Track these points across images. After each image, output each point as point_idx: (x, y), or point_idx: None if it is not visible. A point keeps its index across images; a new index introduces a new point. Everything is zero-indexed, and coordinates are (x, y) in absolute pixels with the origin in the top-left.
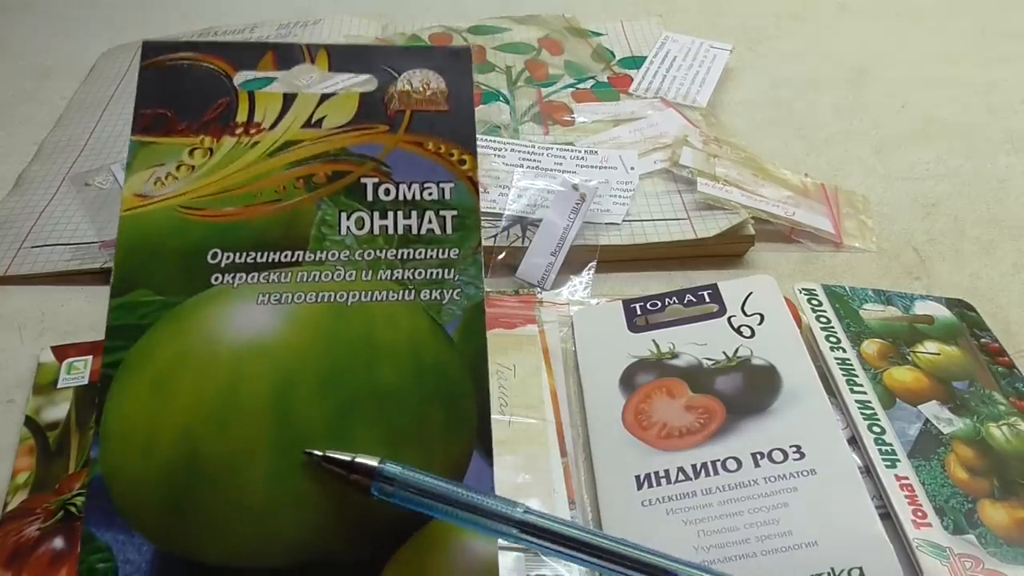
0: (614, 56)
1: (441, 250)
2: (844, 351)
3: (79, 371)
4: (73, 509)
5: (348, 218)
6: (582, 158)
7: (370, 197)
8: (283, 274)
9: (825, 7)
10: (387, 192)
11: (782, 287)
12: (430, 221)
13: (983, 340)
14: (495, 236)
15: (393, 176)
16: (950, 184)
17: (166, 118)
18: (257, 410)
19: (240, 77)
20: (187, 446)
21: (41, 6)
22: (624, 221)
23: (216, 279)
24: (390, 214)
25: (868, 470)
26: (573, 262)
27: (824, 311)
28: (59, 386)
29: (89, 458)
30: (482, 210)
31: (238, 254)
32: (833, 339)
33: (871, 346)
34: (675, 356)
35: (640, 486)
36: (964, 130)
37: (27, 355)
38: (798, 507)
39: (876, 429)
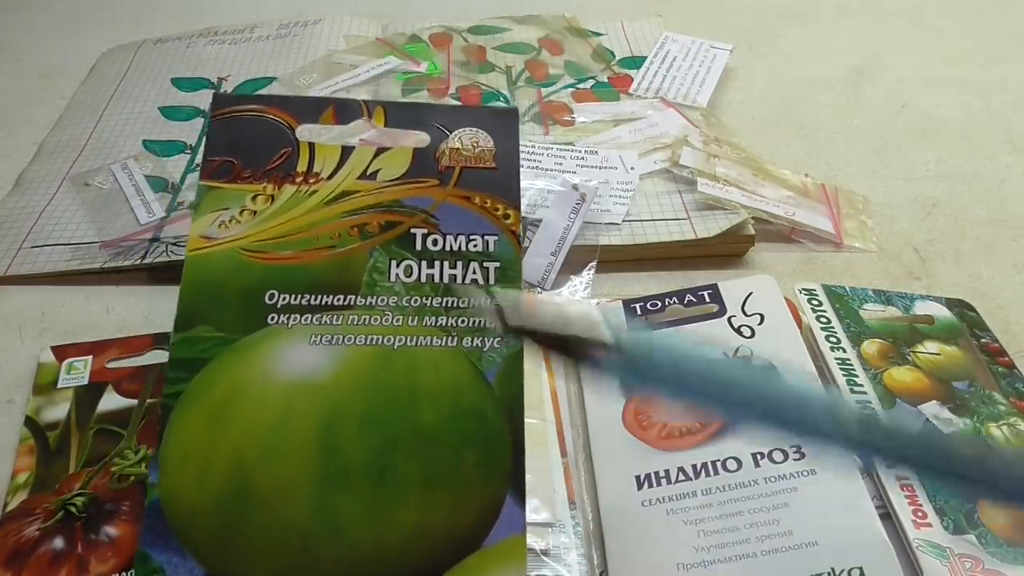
0: (614, 56)
1: (485, 300)
2: (844, 351)
3: (79, 371)
4: (73, 509)
5: (398, 266)
6: (582, 158)
7: (419, 247)
8: (335, 316)
9: (825, 7)
10: (435, 243)
11: (782, 287)
12: (474, 272)
13: (983, 340)
14: None
15: (441, 228)
16: (950, 184)
17: (232, 166)
18: (305, 443)
19: (302, 130)
20: (239, 475)
21: (41, 6)
22: (624, 221)
23: (272, 319)
24: (437, 263)
25: (868, 470)
26: (573, 262)
27: (824, 311)
28: (59, 386)
29: (148, 483)
30: None
31: (294, 296)
32: (833, 339)
33: (871, 346)
34: None
35: (640, 486)
36: (964, 130)
37: (27, 355)
38: (798, 507)
39: None
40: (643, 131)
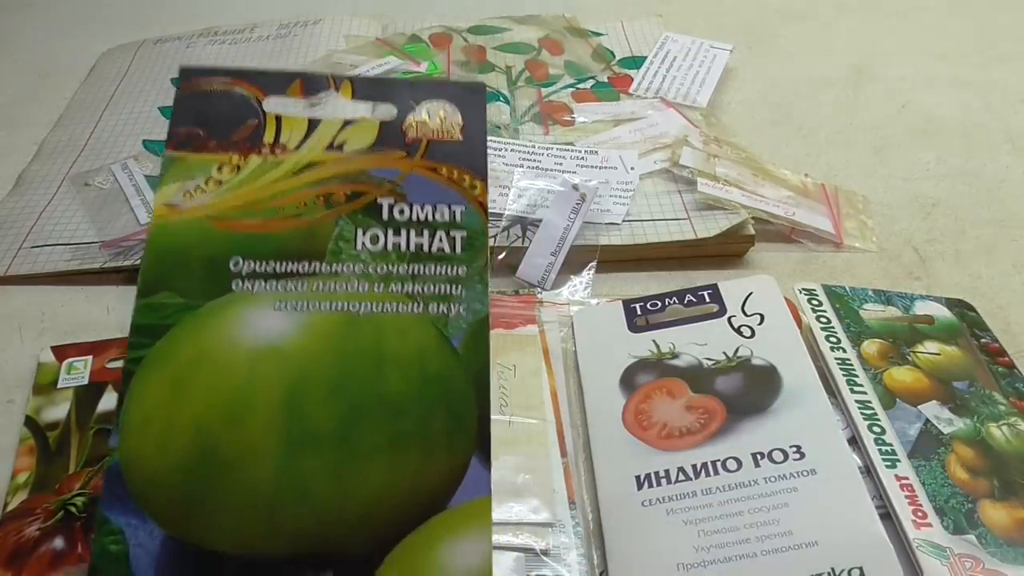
0: (614, 56)
1: (450, 267)
2: (844, 351)
3: (79, 371)
4: (73, 509)
5: (364, 234)
6: (582, 158)
7: (385, 216)
8: (300, 283)
9: (825, 7)
10: (401, 212)
11: (782, 287)
12: (441, 240)
13: (983, 340)
14: (495, 236)
15: (408, 198)
16: (950, 184)
17: (198, 136)
18: (269, 409)
19: (269, 102)
20: (201, 440)
21: (41, 6)
22: (624, 221)
23: (236, 285)
24: (403, 232)
25: (868, 470)
26: (573, 262)
27: (824, 311)
28: (59, 386)
29: (108, 446)
30: None
31: (258, 263)
32: (833, 339)
33: (871, 346)
34: (675, 356)
35: (640, 486)
36: (964, 130)
37: (27, 355)
38: (798, 507)
39: (876, 429)
40: (643, 131)
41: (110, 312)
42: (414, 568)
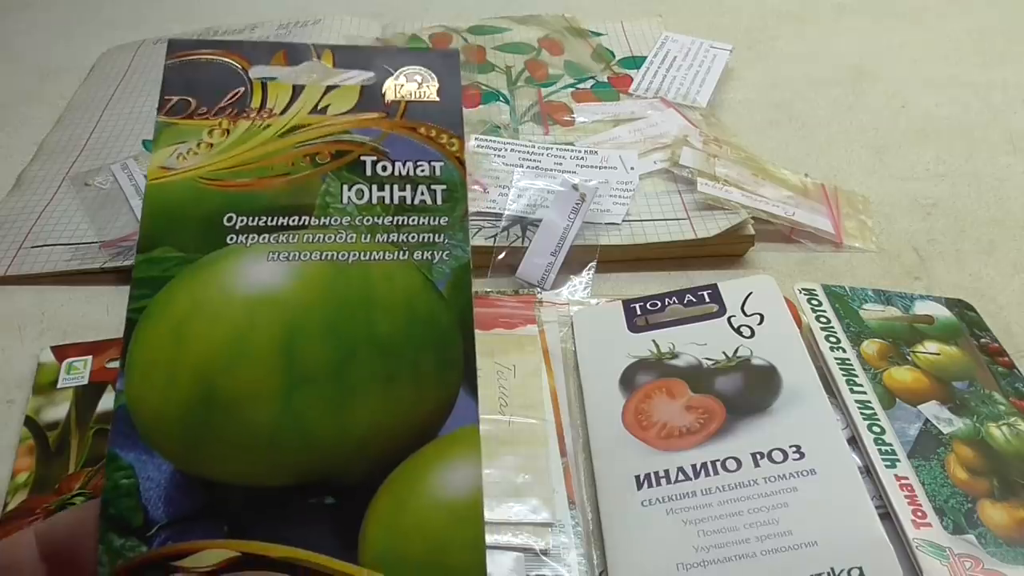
0: (614, 56)
1: (432, 217)
2: (844, 351)
3: (79, 371)
4: None
5: (349, 189)
6: (582, 158)
7: (369, 172)
8: (291, 235)
9: (825, 7)
10: (384, 168)
11: (782, 287)
12: (422, 193)
13: (983, 340)
14: (495, 236)
15: (390, 155)
16: (950, 184)
17: (188, 103)
18: (266, 352)
19: (254, 71)
20: (203, 382)
21: (41, 6)
22: (624, 221)
23: (231, 239)
24: (387, 186)
25: (868, 470)
26: (573, 262)
27: (824, 311)
28: (59, 386)
29: (115, 388)
30: (482, 210)
31: (251, 218)
32: (833, 339)
33: (871, 346)
34: (675, 356)
35: (640, 486)
36: (964, 130)
37: (27, 355)
38: (798, 507)
39: (876, 429)
40: (643, 131)
41: (110, 312)
42: (409, 491)
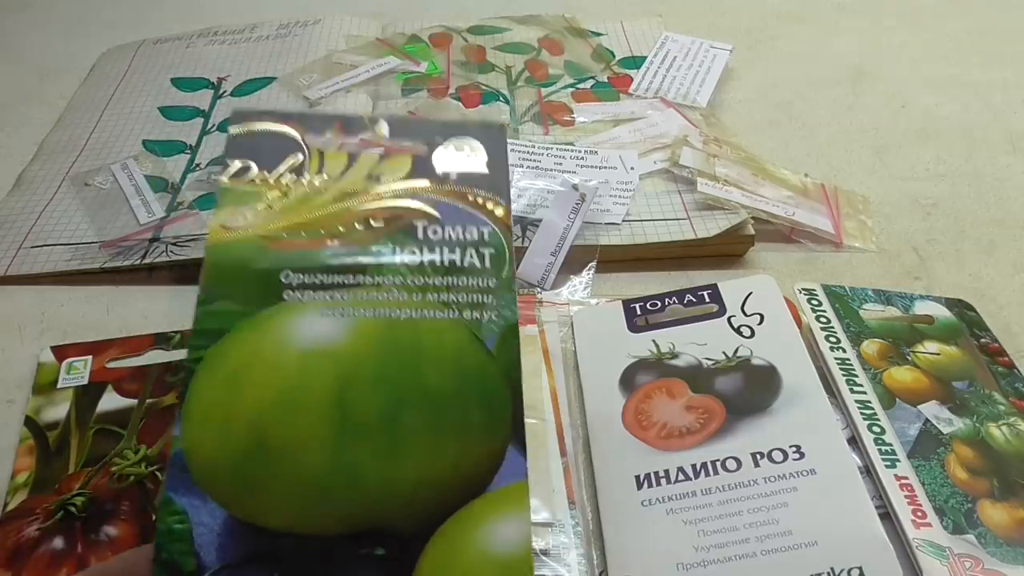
0: (614, 56)
1: (481, 279)
2: (844, 351)
3: (79, 371)
4: (73, 509)
5: (402, 251)
6: (582, 158)
7: (420, 236)
8: (344, 293)
9: (825, 7)
10: (435, 232)
11: (782, 287)
12: (471, 256)
13: (983, 340)
14: None
15: (440, 220)
16: (950, 184)
17: (249, 168)
18: (319, 401)
19: (311, 140)
20: (256, 431)
21: (41, 6)
22: (624, 221)
23: (287, 295)
24: (437, 249)
25: (868, 470)
26: (573, 262)
27: (824, 311)
28: (59, 386)
29: (171, 435)
30: None
31: (306, 275)
32: (833, 339)
33: (871, 346)
34: (675, 356)
35: (640, 486)
36: (964, 130)
37: (27, 355)
38: (798, 507)
39: (876, 429)
40: (643, 131)
41: (110, 312)
42: (459, 545)
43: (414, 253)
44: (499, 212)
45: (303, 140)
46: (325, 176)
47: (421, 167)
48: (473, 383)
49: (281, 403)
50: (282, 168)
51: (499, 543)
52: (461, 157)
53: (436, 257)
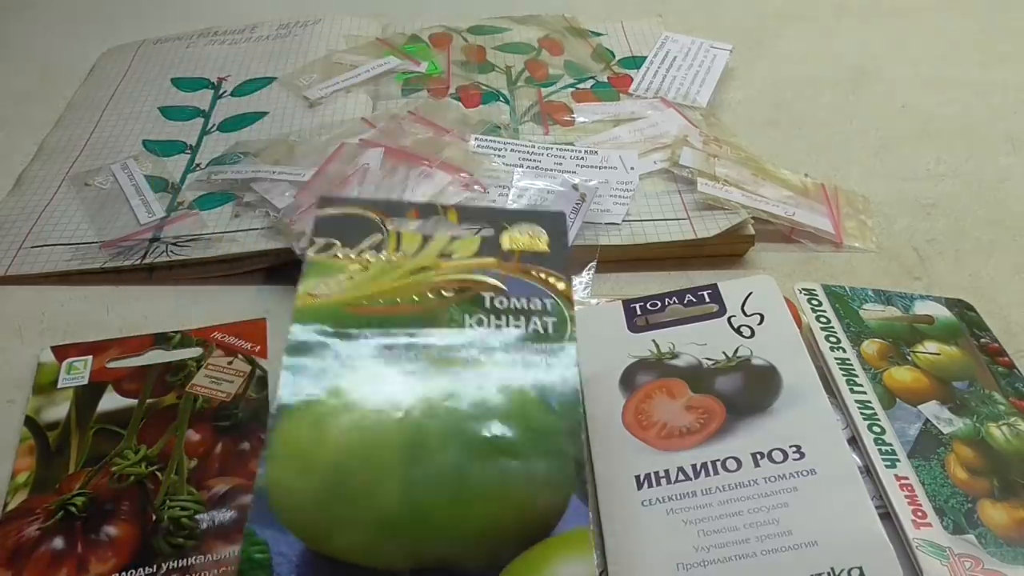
0: (614, 56)
1: (545, 345)
2: (844, 351)
3: (79, 371)
4: (73, 509)
5: (471, 317)
6: (582, 158)
7: (488, 305)
8: (419, 352)
9: (825, 7)
10: (501, 302)
11: (782, 287)
12: (535, 324)
13: (983, 340)
14: None
15: (507, 292)
16: (950, 184)
17: (334, 245)
18: (394, 449)
19: (391, 223)
20: (336, 472)
21: (41, 6)
22: (624, 221)
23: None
24: (504, 317)
25: (868, 470)
26: (573, 262)
27: (824, 311)
28: (59, 386)
29: (256, 473)
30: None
31: (384, 337)
32: (833, 339)
33: (871, 346)
34: (675, 356)
35: (640, 486)
36: (964, 130)
37: (27, 355)
38: (798, 507)
39: (876, 429)
40: (643, 131)
41: (110, 312)
42: None
43: (482, 320)
44: (560, 286)
45: (383, 222)
46: (402, 253)
47: (489, 247)
48: (537, 439)
49: (359, 449)
50: (363, 245)
51: None
52: (525, 240)
53: (502, 324)
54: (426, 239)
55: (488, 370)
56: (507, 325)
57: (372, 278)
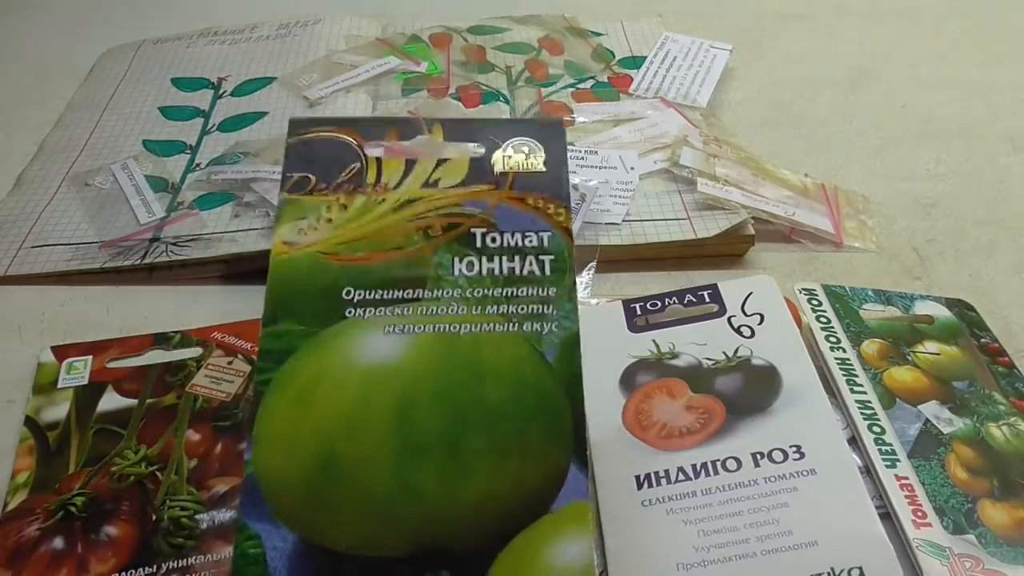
0: (614, 56)
1: (540, 289)
2: (844, 351)
3: (79, 371)
4: (73, 509)
5: (460, 262)
6: (582, 158)
7: (479, 244)
8: (406, 308)
9: (825, 7)
10: (493, 240)
11: (782, 287)
12: (531, 264)
13: (983, 340)
14: None
15: (499, 226)
16: (950, 184)
17: (308, 180)
18: (383, 419)
19: (369, 147)
20: (323, 449)
21: (41, 6)
22: (624, 221)
23: (349, 312)
24: (496, 258)
25: (868, 470)
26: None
27: (824, 311)
28: (59, 386)
29: (244, 459)
30: None
31: (368, 292)
32: (833, 339)
33: (871, 346)
34: (675, 356)
35: (640, 486)
36: (964, 130)
37: (27, 355)
38: (798, 507)
39: (876, 429)
40: (643, 131)
41: (110, 312)
42: (523, 566)
43: (472, 264)
44: (559, 216)
45: (361, 147)
46: (383, 184)
47: (478, 170)
48: (533, 398)
49: (346, 423)
50: (340, 178)
51: (563, 564)
52: (519, 158)
53: (495, 266)
54: (409, 165)
55: (479, 324)
56: (500, 267)
57: (351, 219)
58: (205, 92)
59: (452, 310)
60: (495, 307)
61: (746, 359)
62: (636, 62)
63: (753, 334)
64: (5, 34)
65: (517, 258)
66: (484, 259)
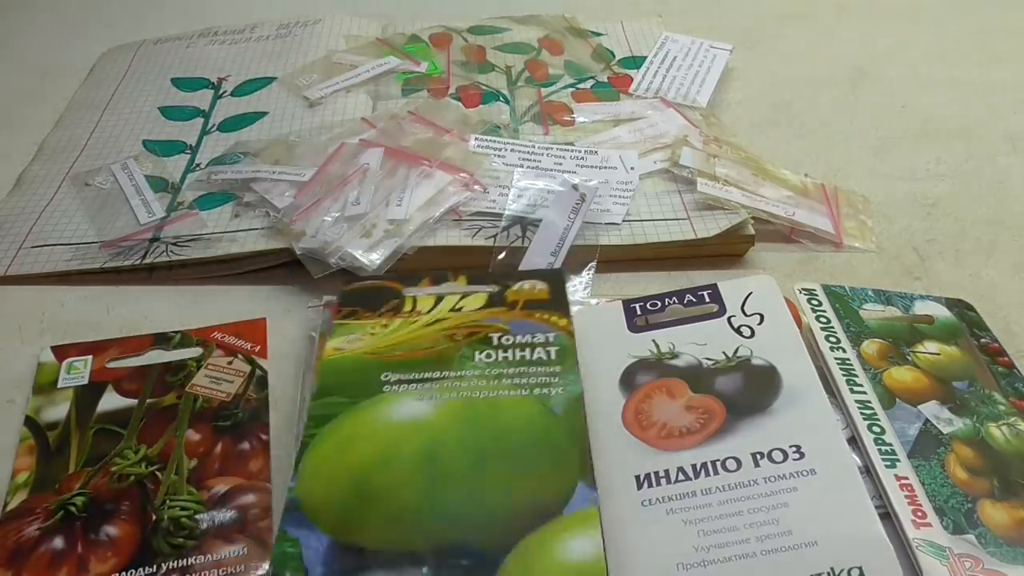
0: (614, 56)
1: (548, 367)
2: (844, 351)
3: (79, 371)
4: (73, 509)
5: (480, 353)
6: (582, 158)
7: (495, 343)
8: (433, 384)
9: (825, 7)
10: (508, 339)
11: (782, 287)
12: (539, 352)
13: (983, 340)
14: (495, 236)
15: (511, 332)
16: (950, 184)
17: (357, 311)
18: (413, 457)
19: (406, 291)
20: (359, 478)
21: (41, 6)
22: (624, 221)
23: (386, 388)
24: (510, 350)
25: (868, 470)
26: (573, 262)
27: (824, 311)
28: (59, 386)
29: (289, 487)
30: (482, 210)
31: (402, 374)
32: (833, 339)
33: (871, 346)
34: (675, 356)
35: (640, 486)
36: (964, 130)
37: (27, 355)
38: (798, 507)
39: (876, 429)
40: (643, 131)
41: (110, 312)
42: (536, 554)
43: (490, 354)
44: (562, 323)
45: (400, 291)
46: (417, 312)
47: (495, 300)
48: (542, 442)
49: (380, 460)
50: (383, 309)
51: (572, 552)
52: (526, 293)
53: (509, 355)
54: (439, 299)
55: (496, 391)
56: (513, 355)
57: (391, 332)
58: (205, 92)
59: (473, 384)
60: (510, 380)
61: (746, 359)
62: (636, 62)
63: (753, 334)
64: (5, 34)
65: (528, 349)
66: (500, 351)
